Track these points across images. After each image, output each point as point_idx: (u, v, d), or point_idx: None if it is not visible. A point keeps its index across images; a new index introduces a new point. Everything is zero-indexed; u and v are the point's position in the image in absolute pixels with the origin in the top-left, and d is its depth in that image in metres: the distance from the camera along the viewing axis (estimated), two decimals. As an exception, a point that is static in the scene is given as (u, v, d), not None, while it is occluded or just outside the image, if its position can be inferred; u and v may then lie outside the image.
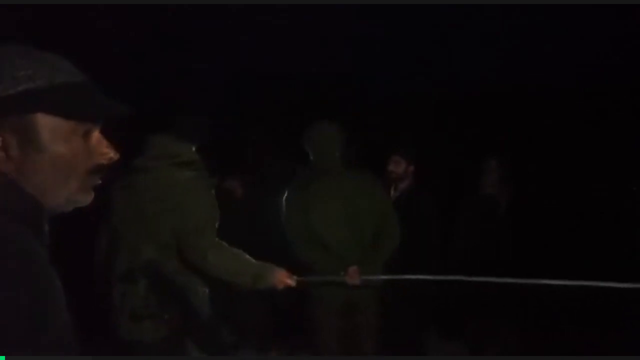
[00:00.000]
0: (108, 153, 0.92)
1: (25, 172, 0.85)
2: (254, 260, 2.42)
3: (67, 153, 0.87)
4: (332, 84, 6.16)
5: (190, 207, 2.35)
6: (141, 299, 2.36)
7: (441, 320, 4.38)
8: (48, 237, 0.89)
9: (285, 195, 3.18)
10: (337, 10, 4.84)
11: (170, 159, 2.41)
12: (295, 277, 2.46)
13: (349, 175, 3.17)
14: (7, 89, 0.82)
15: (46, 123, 0.85)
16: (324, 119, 3.19)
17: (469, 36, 5.44)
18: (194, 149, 2.52)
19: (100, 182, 0.93)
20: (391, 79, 6.23)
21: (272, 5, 4.69)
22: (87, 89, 0.90)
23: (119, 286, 2.41)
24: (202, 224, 2.36)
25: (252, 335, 4.40)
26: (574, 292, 2.35)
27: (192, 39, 5.23)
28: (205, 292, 2.49)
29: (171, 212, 2.35)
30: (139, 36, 4.93)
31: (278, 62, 5.92)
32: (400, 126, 6.04)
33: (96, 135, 0.91)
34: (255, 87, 6.25)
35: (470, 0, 4.75)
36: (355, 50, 5.75)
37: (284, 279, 2.42)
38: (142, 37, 4.94)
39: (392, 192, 3.82)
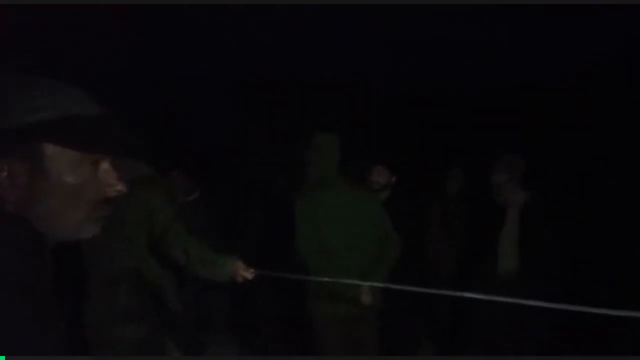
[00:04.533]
0: (116, 185, 0.92)
1: (32, 200, 0.85)
2: (213, 251, 2.53)
3: (74, 182, 0.87)
4: (327, 90, 6.17)
5: (158, 212, 2.55)
6: (124, 301, 2.47)
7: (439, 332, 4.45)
8: (51, 266, 0.89)
9: (297, 201, 3.19)
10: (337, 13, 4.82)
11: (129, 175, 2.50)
12: (252, 270, 2.48)
13: (347, 185, 3.20)
14: (20, 118, 0.83)
15: (54, 153, 0.85)
16: (323, 127, 3.24)
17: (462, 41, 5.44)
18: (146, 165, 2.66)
19: (107, 213, 0.92)
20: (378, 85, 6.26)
21: (270, 6, 4.66)
22: (101, 121, 0.90)
23: (102, 291, 2.50)
24: (169, 223, 2.55)
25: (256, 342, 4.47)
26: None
27: (191, 44, 5.19)
28: (175, 294, 2.68)
29: (143, 220, 2.55)
30: (140, 40, 4.87)
31: (277, 67, 5.90)
32: (384, 134, 6.04)
33: (105, 166, 0.91)
34: (255, 93, 6.23)
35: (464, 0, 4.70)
36: (352, 55, 5.75)
37: (240, 271, 2.46)
38: (144, 40, 4.88)
39: None
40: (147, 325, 2.49)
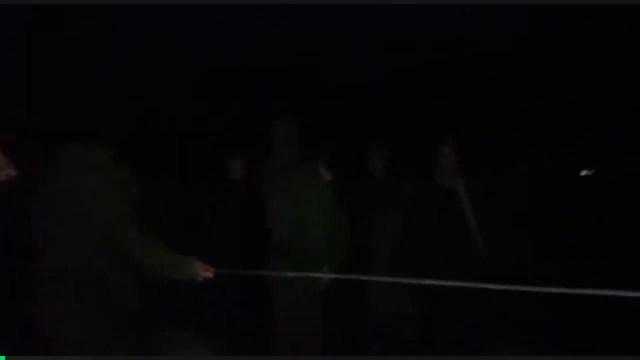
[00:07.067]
0: (5, 169, 0.88)
1: None
2: (171, 252, 2.53)
3: None
4: (292, 76, 6.18)
5: (107, 208, 2.45)
6: (70, 296, 2.40)
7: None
8: None
9: (267, 186, 3.32)
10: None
11: (79, 164, 2.49)
12: (212, 269, 2.58)
13: (306, 169, 3.31)
14: None
15: None
16: (284, 114, 3.35)
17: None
18: (102, 151, 2.57)
19: None
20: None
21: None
22: None
23: (49, 285, 2.42)
24: (120, 221, 2.48)
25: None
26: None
27: (148, 31, 5.11)
28: (133, 286, 2.60)
29: (91, 214, 2.44)
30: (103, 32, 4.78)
31: (242, 56, 5.89)
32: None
33: None
34: (220, 81, 6.20)
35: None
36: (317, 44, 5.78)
37: (200, 271, 2.56)
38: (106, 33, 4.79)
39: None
40: (93, 321, 2.42)
